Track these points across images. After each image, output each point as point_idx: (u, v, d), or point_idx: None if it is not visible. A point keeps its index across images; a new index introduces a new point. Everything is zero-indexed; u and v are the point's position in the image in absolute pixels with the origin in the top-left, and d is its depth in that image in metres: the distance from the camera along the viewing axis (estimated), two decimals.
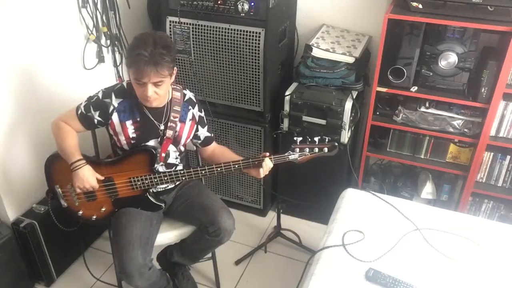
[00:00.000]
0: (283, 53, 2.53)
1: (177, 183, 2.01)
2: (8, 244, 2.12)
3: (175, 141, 1.88)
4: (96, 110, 1.80)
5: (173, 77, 1.74)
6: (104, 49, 2.53)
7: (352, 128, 2.47)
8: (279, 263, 2.49)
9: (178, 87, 1.89)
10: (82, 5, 2.32)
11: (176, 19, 2.34)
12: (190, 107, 1.91)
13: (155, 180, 1.82)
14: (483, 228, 1.88)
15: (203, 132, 1.98)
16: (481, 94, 2.13)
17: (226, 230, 1.88)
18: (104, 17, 2.45)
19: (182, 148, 1.97)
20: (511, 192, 2.35)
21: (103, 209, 1.89)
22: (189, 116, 1.91)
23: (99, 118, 1.81)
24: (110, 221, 1.92)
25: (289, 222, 2.69)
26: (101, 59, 2.52)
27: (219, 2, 2.24)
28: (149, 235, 1.87)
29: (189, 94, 1.93)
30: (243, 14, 2.21)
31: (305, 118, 2.40)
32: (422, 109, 2.32)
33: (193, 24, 2.32)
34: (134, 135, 1.82)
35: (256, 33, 2.22)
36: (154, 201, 1.89)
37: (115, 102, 1.79)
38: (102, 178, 1.82)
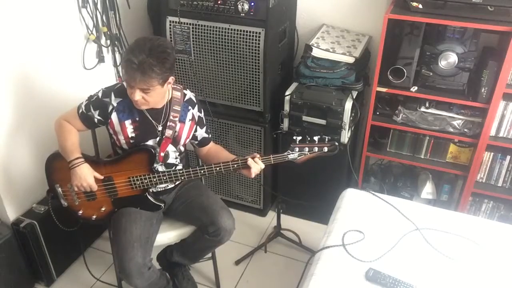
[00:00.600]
0: (283, 53, 2.53)
1: (177, 183, 2.01)
2: (8, 244, 2.12)
3: (175, 141, 1.88)
4: (96, 109, 1.80)
5: (168, 85, 1.72)
6: (104, 49, 2.53)
7: (352, 128, 2.47)
8: (279, 263, 2.49)
9: (178, 87, 1.89)
10: (82, 5, 2.32)
11: (176, 19, 2.34)
12: (190, 107, 1.91)
13: (154, 180, 1.82)
14: (483, 228, 1.88)
15: (201, 133, 1.98)
16: (481, 94, 2.13)
17: (226, 230, 1.88)
18: (104, 17, 2.45)
19: (182, 148, 1.97)
20: (511, 192, 2.35)
21: (103, 209, 1.89)
22: (189, 116, 1.91)
23: (99, 117, 1.82)
24: (110, 221, 1.92)
25: (289, 222, 2.69)
26: (101, 59, 2.52)
27: (219, 2, 2.24)
28: (149, 235, 1.87)
29: (189, 94, 1.93)
30: (243, 14, 2.21)
31: (305, 118, 2.40)
32: (422, 109, 2.32)
33: (193, 24, 2.32)
34: (133, 135, 1.82)
35: (256, 33, 2.22)
36: (154, 201, 1.89)
37: (114, 101, 1.79)
38: (101, 177, 1.82)
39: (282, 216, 2.56)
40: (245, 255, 2.51)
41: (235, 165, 1.78)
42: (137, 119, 1.81)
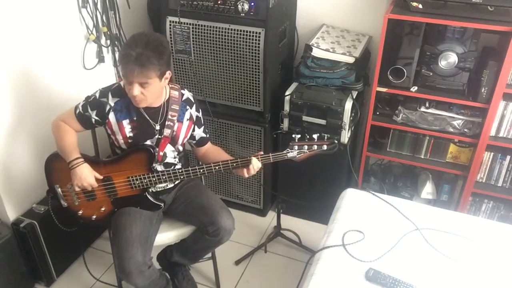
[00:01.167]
0: (283, 53, 2.53)
1: (176, 182, 2.01)
2: (8, 244, 2.12)
3: (173, 140, 1.88)
4: (93, 110, 1.81)
5: (165, 80, 1.74)
6: (104, 49, 2.53)
7: (352, 128, 2.47)
8: (279, 263, 2.49)
9: (176, 86, 1.89)
10: (82, 5, 2.32)
11: (176, 19, 2.34)
12: (188, 106, 1.91)
13: (154, 179, 1.82)
14: (483, 228, 1.88)
15: (199, 133, 1.98)
16: (481, 94, 2.13)
17: (226, 230, 1.88)
18: (104, 17, 2.45)
19: (180, 148, 1.97)
20: (511, 192, 2.35)
21: (103, 209, 1.89)
22: (187, 115, 1.91)
23: (96, 118, 1.82)
24: (110, 221, 1.92)
25: (289, 222, 2.69)
26: (101, 59, 2.52)
27: (219, 2, 2.24)
28: (149, 234, 1.87)
29: (187, 94, 1.93)
30: (243, 14, 2.21)
31: (305, 118, 2.40)
32: (422, 109, 2.32)
33: (193, 24, 2.32)
34: (131, 134, 1.82)
35: (256, 33, 2.22)
36: (153, 201, 1.89)
37: (111, 101, 1.80)
38: (100, 177, 1.82)
39: (282, 216, 2.56)
40: (245, 255, 2.51)
41: (234, 164, 1.77)
42: (135, 118, 1.81)
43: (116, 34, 2.54)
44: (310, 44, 2.38)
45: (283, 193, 2.53)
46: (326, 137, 1.78)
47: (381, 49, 2.17)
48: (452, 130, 2.29)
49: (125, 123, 1.81)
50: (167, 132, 1.84)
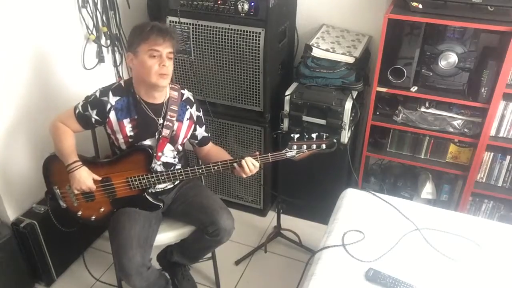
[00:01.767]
0: (283, 53, 2.53)
1: (176, 183, 2.01)
2: (8, 244, 2.11)
3: (173, 140, 1.88)
4: (93, 109, 1.80)
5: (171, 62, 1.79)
6: (104, 49, 2.53)
7: (352, 128, 2.47)
8: (279, 263, 2.49)
9: (176, 87, 1.89)
10: (82, 5, 2.32)
11: (176, 19, 2.34)
12: (188, 106, 1.91)
13: (153, 180, 1.82)
14: (483, 228, 1.88)
15: (201, 132, 1.98)
16: (481, 94, 2.13)
17: (226, 230, 1.88)
18: (104, 17, 2.45)
19: (180, 148, 1.97)
20: (511, 192, 2.35)
21: (102, 210, 1.89)
22: (187, 115, 1.91)
23: (96, 117, 1.81)
24: (110, 221, 1.92)
25: (289, 222, 2.68)
26: (101, 59, 2.52)
27: (219, 2, 2.24)
28: (148, 235, 1.86)
29: (187, 94, 1.93)
30: (243, 14, 2.21)
31: (305, 118, 2.39)
32: (422, 109, 2.32)
33: (193, 24, 2.32)
34: (132, 133, 1.82)
35: (256, 33, 2.22)
36: (152, 201, 1.89)
37: (112, 100, 1.79)
38: (99, 178, 1.82)
39: (282, 216, 2.56)
40: (245, 255, 2.51)
41: (234, 164, 1.77)
42: (136, 117, 1.81)
43: (116, 34, 2.54)
44: (310, 44, 2.38)
45: (283, 193, 2.53)
46: (324, 136, 1.77)
47: (381, 49, 2.17)
48: (452, 130, 2.29)
49: (126, 122, 1.81)
50: (165, 132, 1.83)
